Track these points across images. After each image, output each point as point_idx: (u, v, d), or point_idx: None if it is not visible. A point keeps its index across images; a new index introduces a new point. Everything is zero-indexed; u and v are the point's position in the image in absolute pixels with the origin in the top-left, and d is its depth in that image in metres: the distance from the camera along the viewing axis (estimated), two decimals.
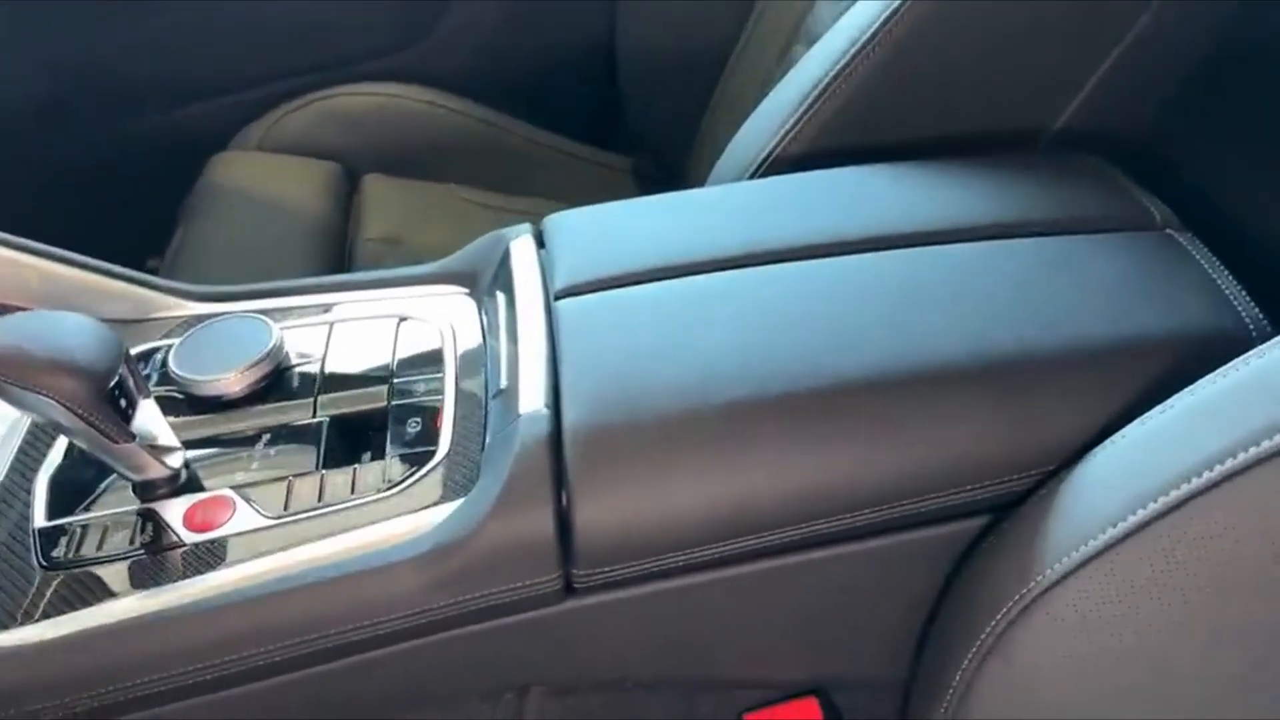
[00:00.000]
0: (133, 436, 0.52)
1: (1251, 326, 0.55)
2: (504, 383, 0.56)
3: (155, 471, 0.55)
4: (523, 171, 1.27)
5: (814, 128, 0.69)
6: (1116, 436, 0.49)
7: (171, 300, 0.70)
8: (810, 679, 0.59)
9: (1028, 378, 0.52)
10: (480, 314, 0.65)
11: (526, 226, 0.67)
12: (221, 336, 0.63)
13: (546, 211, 1.20)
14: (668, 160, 1.30)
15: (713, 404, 0.51)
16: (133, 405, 0.53)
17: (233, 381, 0.60)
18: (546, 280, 0.61)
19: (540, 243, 0.66)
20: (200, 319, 0.67)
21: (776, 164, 0.70)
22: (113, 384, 0.50)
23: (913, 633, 0.57)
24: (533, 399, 0.53)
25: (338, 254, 1.09)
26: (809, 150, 0.69)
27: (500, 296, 0.62)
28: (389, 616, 0.50)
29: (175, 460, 0.56)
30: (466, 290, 0.67)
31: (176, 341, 0.62)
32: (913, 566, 0.55)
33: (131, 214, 1.18)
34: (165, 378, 0.61)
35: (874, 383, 0.51)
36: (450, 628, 0.51)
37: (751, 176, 0.71)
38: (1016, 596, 0.48)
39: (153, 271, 1.12)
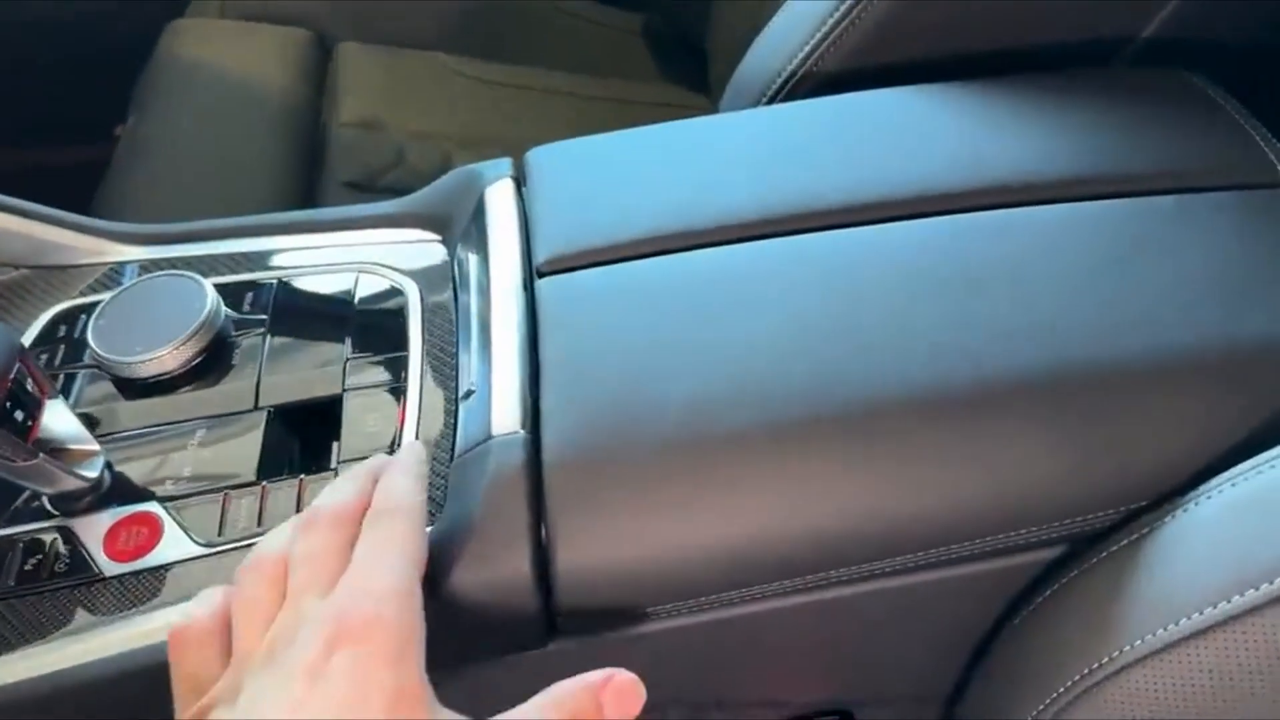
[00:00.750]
0: (35, 454, 0.44)
1: None
2: (474, 382, 0.47)
3: (70, 484, 0.47)
4: (519, 35, 1.13)
5: (855, 36, 0.56)
6: (1227, 480, 0.40)
7: (100, 243, 0.60)
8: (835, 700, 0.52)
9: (1113, 395, 0.42)
10: (452, 272, 0.55)
11: (505, 166, 0.56)
12: (149, 303, 0.53)
13: (546, 86, 1.09)
14: (680, 18, 1.16)
15: (717, 431, 0.42)
16: (33, 416, 0.44)
17: (163, 361, 0.51)
18: (527, 244, 0.51)
19: (522, 181, 0.56)
20: (131, 269, 0.58)
21: (806, 81, 0.58)
22: (3, 398, 0.42)
23: (956, 660, 0.49)
24: (508, 416, 0.44)
25: (309, 141, 0.98)
26: (844, 67, 0.57)
27: (473, 260, 0.52)
28: None
29: (93, 468, 0.47)
30: (438, 237, 0.57)
31: (97, 310, 0.53)
32: (962, 601, 0.46)
33: (90, 85, 1.07)
34: (84, 346, 0.52)
35: (920, 404, 0.42)
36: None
37: (774, 98, 0.59)
38: (1095, 664, 0.40)
39: (118, 140, 1.02)
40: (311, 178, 0.95)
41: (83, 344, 0.52)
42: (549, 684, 0.47)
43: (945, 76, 0.55)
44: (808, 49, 0.57)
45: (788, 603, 0.45)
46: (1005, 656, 0.46)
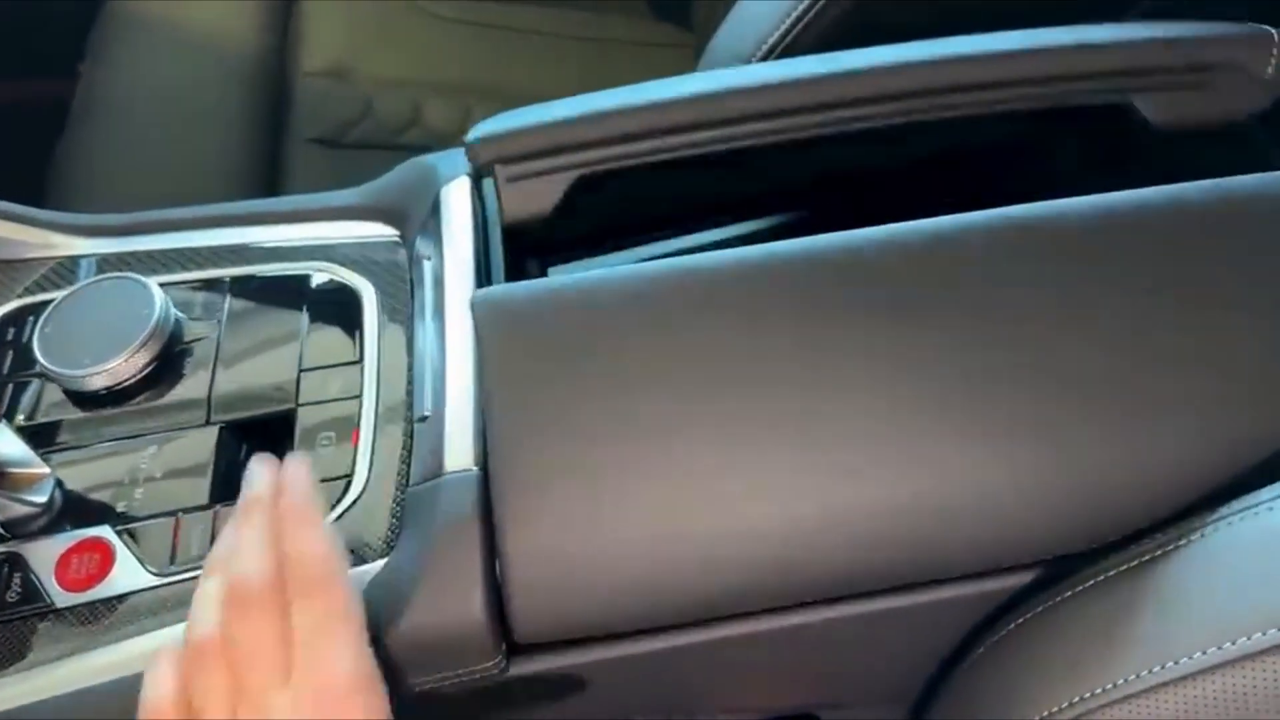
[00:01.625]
0: None
1: None
2: (429, 407, 0.45)
3: (17, 510, 0.46)
4: None
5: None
6: (1217, 519, 0.38)
7: (46, 235, 0.58)
8: (801, 707, 0.52)
9: (1091, 425, 0.41)
10: (410, 273, 0.53)
11: (460, 162, 0.54)
12: (96, 310, 0.52)
13: (523, 25, 1.04)
14: None
15: (676, 472, 0.41)
16: None
17: (113, 372, 0.50)
18: (483, 253, 0.49)
19: (479, 177, 0.53)
20: (83, 263, 0.56)
21: (792, 50, 0.56)
22: None
23: (924, 671, 0.49)
24: (461, 452, 0.42)
25: (274, 93, 0.94)
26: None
27: (428, 267, 0.50)
28: None
29: (42, 492, 0.46)
30: (396, 234, 0.55)
31: (43, 317, 0.51)
32: (934, 622, 0.46)
33: (50, 16, 1.03)
34: (30, 353, 0.51)
35: (893, 432, 0.41)
36: None
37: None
38: (1090, 692, 0.39)
39: (80, 76, 0.98)
40: (277, 133, 0.92)
41: (31, 350, 0.51)
42: (506, 703, 0.47)
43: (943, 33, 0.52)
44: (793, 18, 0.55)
45: (750, 628, 0.44)
46: (977, 677, 0.45)
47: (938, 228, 0.45)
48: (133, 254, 0.56)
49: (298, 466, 0.41)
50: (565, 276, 0.46)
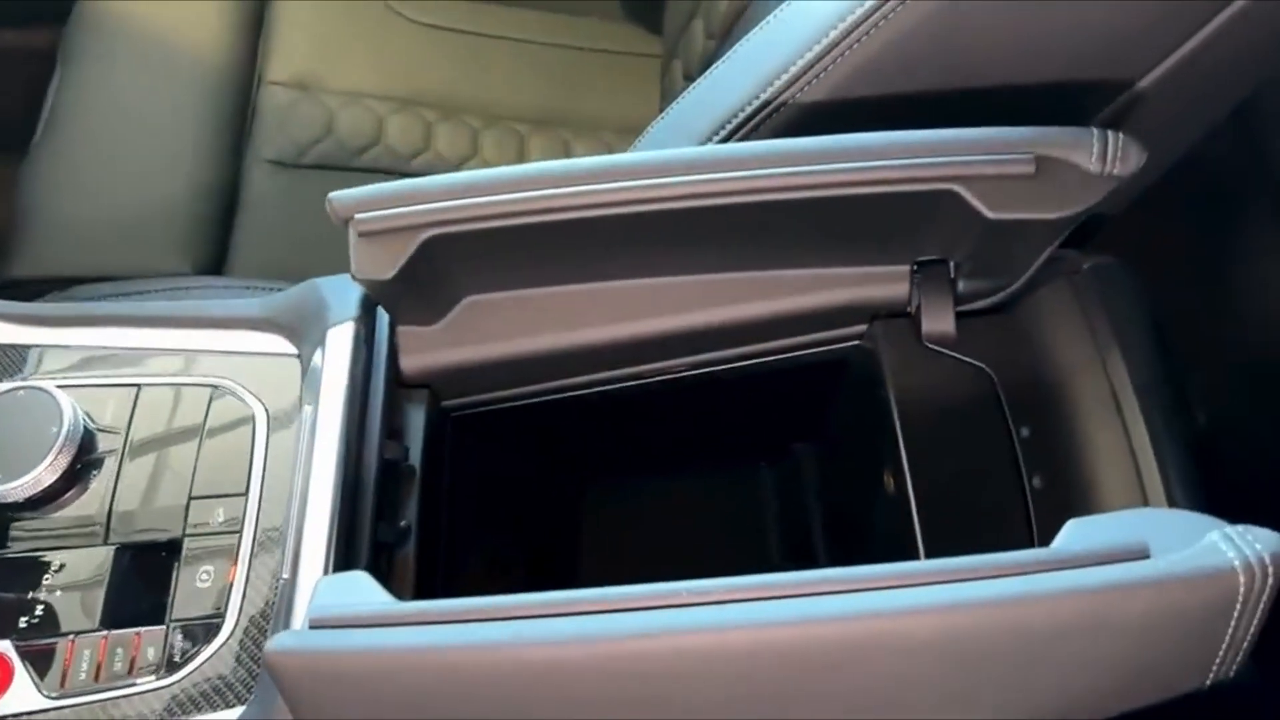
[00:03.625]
0: None
1: None
2: (286, 572, 0.49)
3: None
4: None
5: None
6: None
7: None
8: None
9: None
10: (300, 405, 0.56)
11: (352, 295, 0.56)
12: (11, 421, 0.55)
13: (493, 30, 1.04)
14: None
15: None
16: None
17: (25, 487, 0.54)
18: (356, 407, 0.53)
19: (367, 317, 0.56)
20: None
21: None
22: None
23: None
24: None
25: (239, 103, 0.95)
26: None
27: (307, 411, 0.54)
28: None
29: None
30: (295, 352, 0.58)
31: None
32: None
33: None
34: None
35: None
36: None
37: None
38: None
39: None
40: (238, 149, 0.93)
41: None
42: None
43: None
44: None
45: None
46: None
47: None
48: (50, 347, 0.60)
49: None
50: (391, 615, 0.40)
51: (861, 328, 0.60)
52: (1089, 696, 0.42)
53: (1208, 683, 0.42)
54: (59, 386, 0.56)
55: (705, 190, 0.49)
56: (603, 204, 0.49)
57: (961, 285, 0.57)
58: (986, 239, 0.53)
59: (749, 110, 0.61)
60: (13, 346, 0.61)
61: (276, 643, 0.38)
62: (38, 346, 0.61)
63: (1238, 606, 0.38)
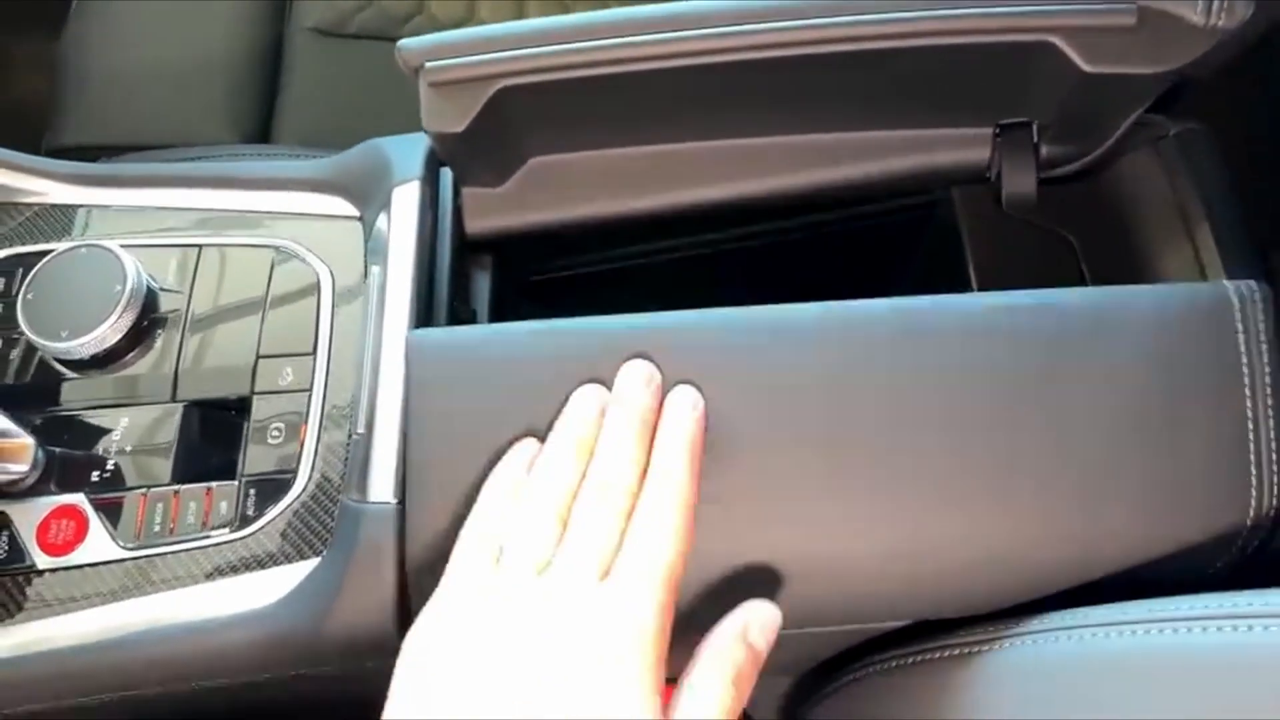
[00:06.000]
0: None
1: None
2: (362, 425, 0.49)
3: (1, 479, 0.51)
4: None
5: None
6: (1033, 632, 0.42)
7: (31, 181, 0.61)
8: None
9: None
10: (365, 264, 0.55)
11: (418, 151, 0.55)
12: (76, 279, 0.55)
13: None
14: None
15: None
16: None
17: (93, 343, 0.54)
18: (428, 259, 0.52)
19: (431, 179, 0.55)
20: (61, 213, 0.59)
21: None
22: None
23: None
24: (383, 482, 0.47)
25: (270, 51, 0.92)
26: None
27: (375, 272, 0.53)
28: (224, 680, 0.49)
29: (24, 462, 0.51)
30: (357, 214, 0.57)
31: (25, 284, 0.55)
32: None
33: None
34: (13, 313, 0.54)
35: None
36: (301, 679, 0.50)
37: None
38: None
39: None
40: (281, 18, 0.91)
41: (14, 311, 0.54)
42: None
43: None
44: None
45: None
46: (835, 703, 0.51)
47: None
48: (111, 208, 0.59)
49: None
50: (506, 327, 0.48)
51: (939, 194, 0.58)
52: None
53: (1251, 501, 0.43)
54: (121, 246, 0.55)
55: (790, 39, 0.47)
56: (682, 53, 0.48)
57: (1044, 150, 0.55)
58: (1077, 97, 0.51)
59: None
60: (72, 207, 0.60)
61: (414, 334, 0.48)
62: (97, 207, 0.60)
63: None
